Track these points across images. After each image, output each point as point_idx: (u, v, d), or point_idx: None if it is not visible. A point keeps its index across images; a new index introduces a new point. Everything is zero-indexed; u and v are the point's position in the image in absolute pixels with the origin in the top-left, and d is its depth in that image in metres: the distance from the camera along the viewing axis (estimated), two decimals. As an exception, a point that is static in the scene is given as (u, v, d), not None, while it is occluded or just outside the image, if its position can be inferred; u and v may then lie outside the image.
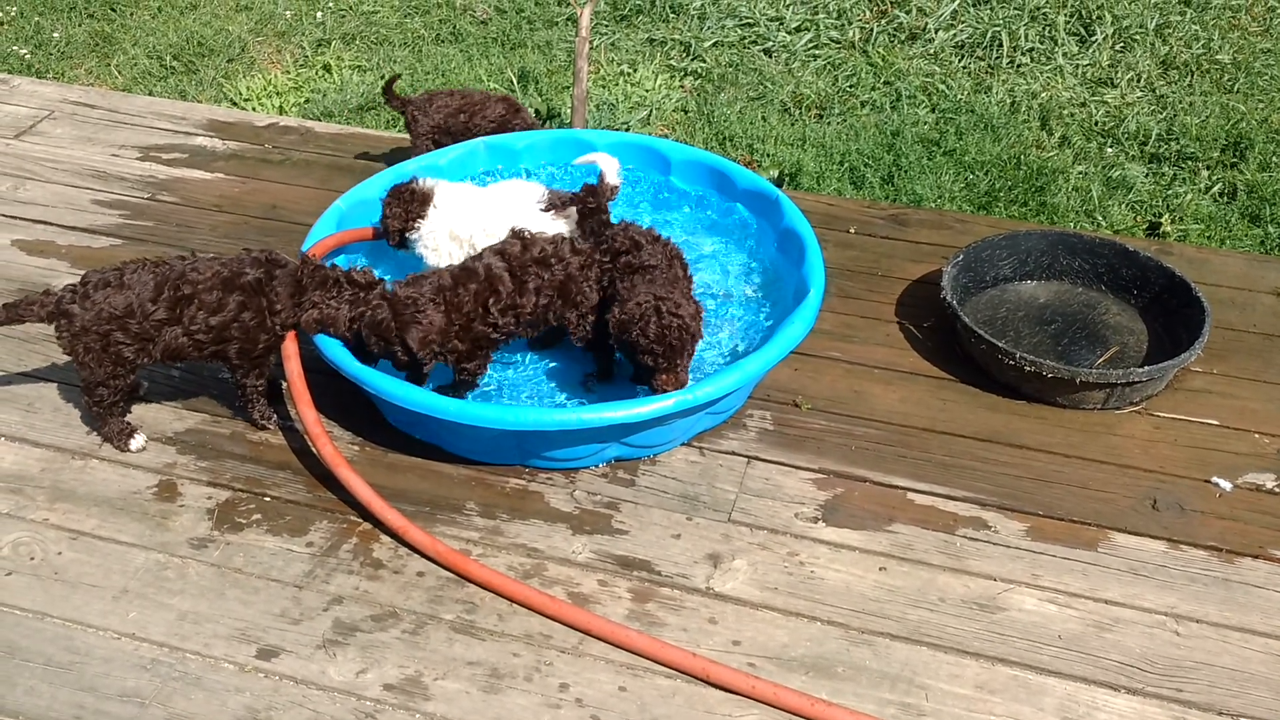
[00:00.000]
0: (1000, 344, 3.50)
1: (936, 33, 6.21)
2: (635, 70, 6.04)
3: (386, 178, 4.02)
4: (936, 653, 2.81)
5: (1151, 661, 2.79)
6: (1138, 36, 6.10)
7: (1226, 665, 2.79)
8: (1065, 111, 5.59)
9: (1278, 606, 2.93)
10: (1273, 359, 3.79)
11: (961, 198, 4.95)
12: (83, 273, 3.23)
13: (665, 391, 3.12)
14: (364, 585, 2.97)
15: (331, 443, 3.17)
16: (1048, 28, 6.18)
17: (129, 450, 3.36)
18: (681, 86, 5.96)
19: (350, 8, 6.85)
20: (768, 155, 5.24)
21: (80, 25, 6.69)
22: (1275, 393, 3.64)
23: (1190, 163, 5.23)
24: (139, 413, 3.50)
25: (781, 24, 6.34)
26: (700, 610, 2.91)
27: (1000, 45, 6.08)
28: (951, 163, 5.14)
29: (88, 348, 3.16)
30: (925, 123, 5.49)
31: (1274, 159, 5.16)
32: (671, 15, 6.53)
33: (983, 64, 6.05)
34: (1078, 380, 3.43)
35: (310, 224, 3.94)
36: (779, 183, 5.00)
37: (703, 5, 6.54)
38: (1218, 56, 5.93)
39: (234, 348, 3.24)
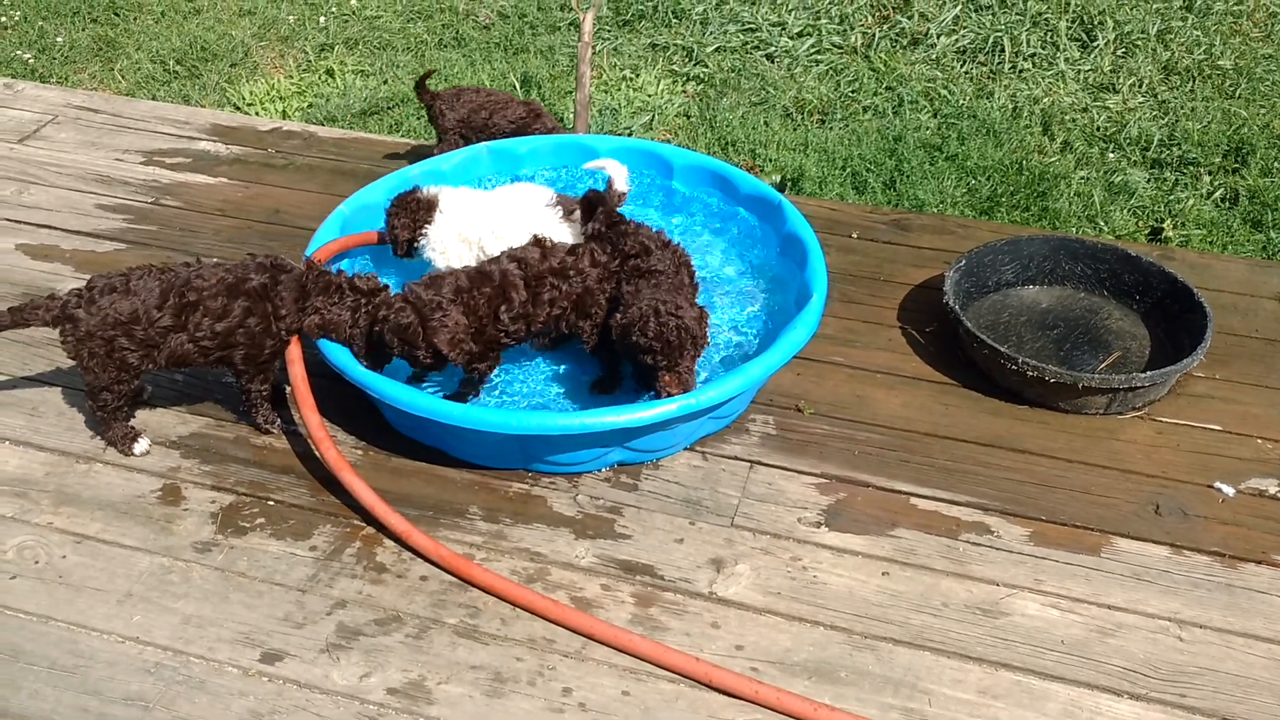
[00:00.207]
0: (1003, 349, 3.50)
1: (938, 38, 6.22)
2: (638, 75, 6.05)
3: (390, 183, 4.03)
4: (939, 658, 2.81)
5: (1155, 667, 2.79)
6: (1139, 42, 6.11)
7: (1230, 671, 2.79)
8: (1067, 117, 5.60)
9: (1280, 612, 2.94)
10: (1275, 364, 3.79)
11: (963, 203, 4.95)
12: (87, 277, 3.23)
13: (669, 393, 3.12)
14: (367, 589, 2.97)
15: (335, 447, 3.18)
16: (1049, 33, 6.19)
17: (133, 454, 3.37)
18: (684, 91, 5.98)
19: (353, 13, 6.87)
20: (770, 160, 5.25)
21: (84, 30, 6.70)
22: (1278, 398, 3.64)
23: (1192, 168, 5.24)
24: (143, 417, 3.51)
25: (784, 29, 6.36)
26: (703, 615, 2.92)
27: (1002, 50, 6.09)
28: (953, 168, 5.14)
29: (92, 353, 3.16)
30: (927, 128, 5.50)
31: (1276, 164, 5.17)
32: (674, 20, 6.55)
33: (984, 69, 6.06)
34: (1080, 385, 3.43)
35: (313, 228, 3.95)
36: (781, 187, 5.01)
37: (705, 10, 6.55)
38: (1219, 62, 5.94)
39: (239, 353, 3.25)
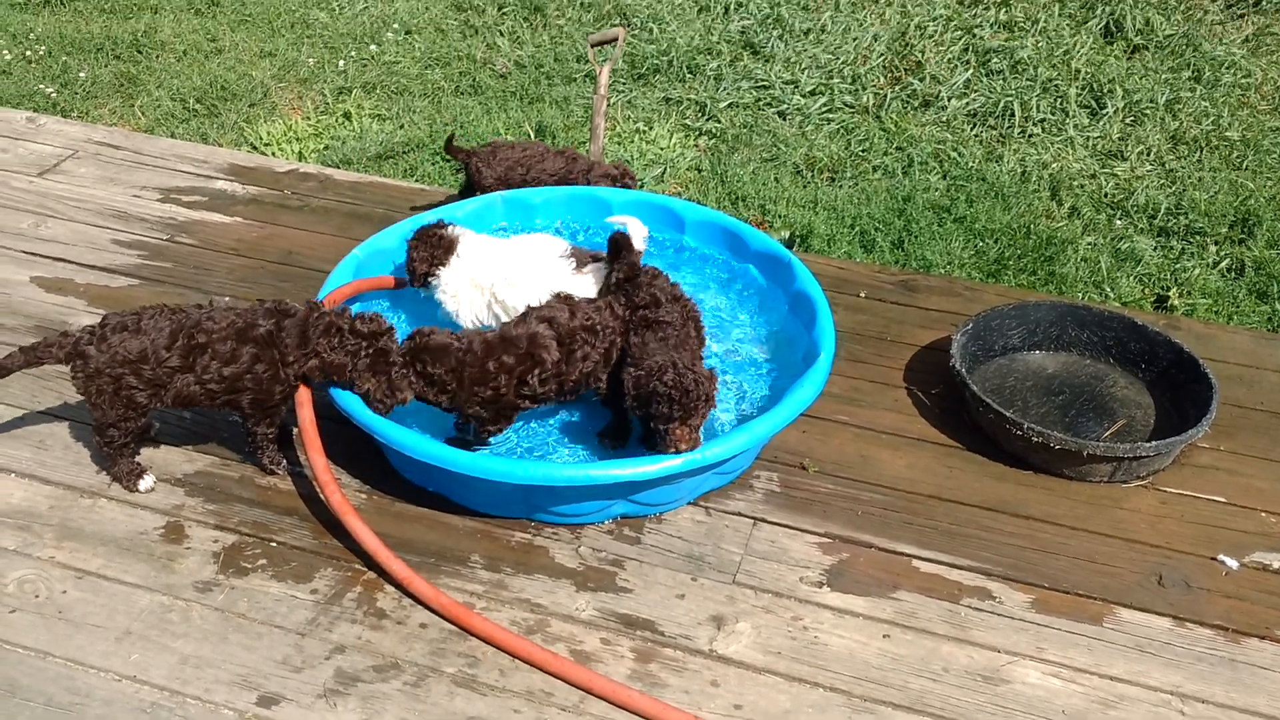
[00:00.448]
0: (1008, 413, 3.51)
1: (949, 101, 6.30)
2: (651, 128, 6.12)
3: (404, 229, 4.07)
4: (939, 724, 2.80)
5: (1156, 741, 2.78)
6: (1148, 111, 6.18)
7: (1231, 747, 2.77)
8: (1075, 182, 5.65)
9: (1283, 688, 2.92)
10: (1280, 437, 3.80)
11: (971, 265, 4.99)
12: (100, 312, 3.26)
13: (679, 448, 3.11)
14: (367, 635, 2.96)
15: (340, 490, 3.18)
16: (1059, 99, 6.27)
17: (138, 491, 3.37)
18: (696, 145, 6.04)
19: (372, 57, 6.96)
20: (779, 216, 5.29)
21: (106, 66, 6.80)
22: (1282, 471, 3.65)
23: (1199, 237, 5.28)
24: (149, 454, 3.52)
25: (796, 87, 6.44)
26: (703, 672, 2.90)
27: (1012, 115, 6.15)
28: (962, 229, 5.18)
29: (100, 390, 3.18)
30: (936, 189, 5.55)
31: (1282, 236, 5.20)
32: (688, 75, 6.63)
33: (994, 133, 6.13)
34: (1085, 453, 3.44)
35: (326, 271, 3.98)
36: (790, 243, 5.05)
37: (719, 66, 6.63)
38: (1227, 133, 6.00)
39: (247, 398, 3.26)
